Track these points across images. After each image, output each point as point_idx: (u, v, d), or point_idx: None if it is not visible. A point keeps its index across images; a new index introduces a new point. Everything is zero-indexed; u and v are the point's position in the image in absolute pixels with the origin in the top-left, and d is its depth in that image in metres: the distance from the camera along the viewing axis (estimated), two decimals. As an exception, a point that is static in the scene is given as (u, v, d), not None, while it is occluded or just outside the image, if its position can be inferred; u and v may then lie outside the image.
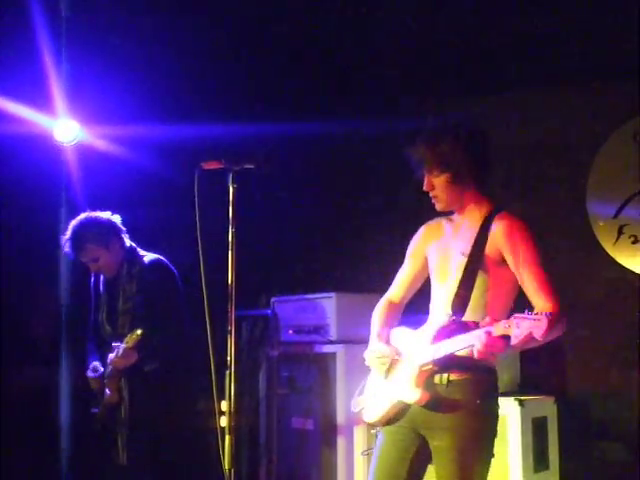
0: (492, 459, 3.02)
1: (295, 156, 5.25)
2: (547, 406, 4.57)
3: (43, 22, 4.26)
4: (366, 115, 5.44)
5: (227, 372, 2.91)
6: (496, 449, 4.15)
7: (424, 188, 3.11)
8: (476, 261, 2.99)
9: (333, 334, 5.01)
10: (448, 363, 2.92)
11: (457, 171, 3.02)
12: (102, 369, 4.21)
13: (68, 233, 4.20)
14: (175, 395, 4.13)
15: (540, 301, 2.90)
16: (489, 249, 3.00)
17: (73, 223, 4.20)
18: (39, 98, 4.67)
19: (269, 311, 5.42)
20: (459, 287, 2.99)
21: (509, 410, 4.26)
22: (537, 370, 4.97)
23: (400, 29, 4.75)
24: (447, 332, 2.91)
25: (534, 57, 4.94)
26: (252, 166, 3.01)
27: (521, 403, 4.27)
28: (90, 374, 4.24)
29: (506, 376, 4.60)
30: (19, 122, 4.64)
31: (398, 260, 3.36)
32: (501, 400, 4.28)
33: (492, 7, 4.40)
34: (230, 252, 2.95)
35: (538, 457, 4.35)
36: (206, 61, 4.86)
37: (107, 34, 4.46)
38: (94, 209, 4.27)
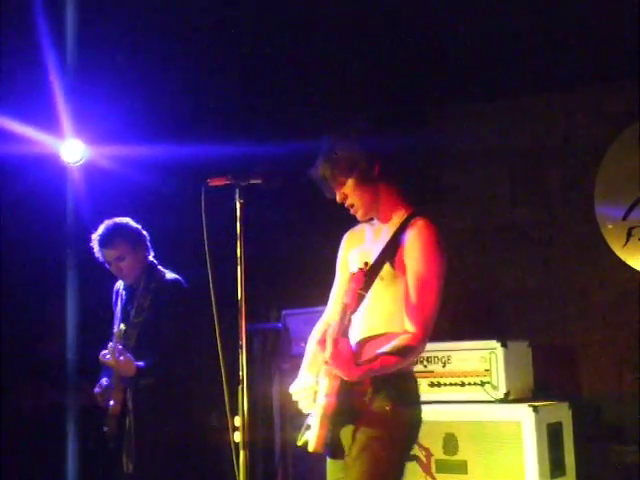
0: (403, 467, 2.96)
1: (303, 170, 5.25)
2: (562, 411, 4.55)
3: (50, 44, 4.30)
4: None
5: (239, 387, 2.91)
6: (512, 456, 4.22)
7: (338, 200, 3.08)
8: (380, 265, 2.94)
9: (344, 345, 5.00)
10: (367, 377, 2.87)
11: (360, 170, 2.98)
12: (105, 384, 4.26)
13: (100, 229, 4.27)
14: (181, 408, 4.15)
15: (408, 322, 2.88)
16: (400, 255, 2.95)
17: (106, 222, 4.29)
18: (46, 119, 4.71)
19: (280, 324, 5.43)
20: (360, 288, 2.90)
21: (523, 417, 4.26)
22: (550, 376, 4.97)
23: (403, 37, 4.76)
24: None
25: (538, 60, 4.94)
26: (258, 181, 3.02)
27: (535, 409, 4.26)
28: (96, 390, 4.28)
29: (519, 383, 4.59)
30: (27, 142, 4.68)
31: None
32: (515, 406, 4.35)
33: (494, 10, 4.40)
34: (239, 267, 2.95)
35: (554, 463, 4.34)
36: (210, 79, 4.88)
37: (113, 55, 4.49)
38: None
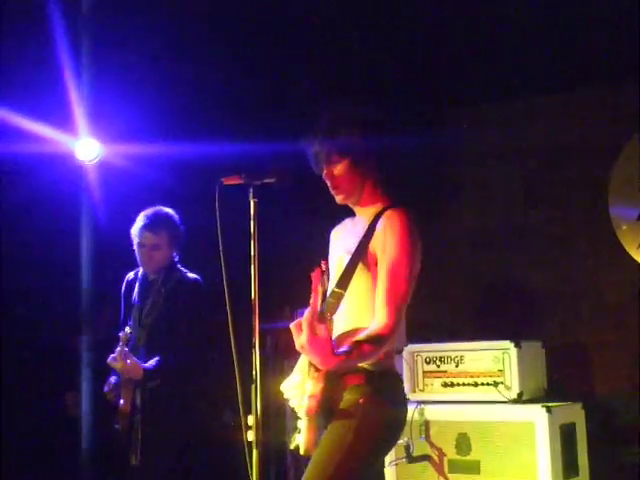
0: (369, 462, 2.93)
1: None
2: (575, 412, 4.53)
3: (65, 43, 4.32)
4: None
5: (253, 386, 2.91)
6: (525, 456, 4.21)
7: (324, 177, 3.07)
8: (356, 259, 2.92)
9: (357, 344, 4.99)
10: (344, 368, 2.84)
11: (357, 155, 2.98)
12: (114, 382, 4.28)
13: (150, 211, 4.31)
14: (190, 406, 4.16)
15: (378, 315, 2.82)
16: (372, 247, 2.93)
17: (158, 207, 4.34)
18: (61, 118, 4.72)
19: (293, 323, 5.41)
20: (335, 285, 2.92)
21: (537, 417, 4.24)
22: (563, 376, 4.95)
23: (419, 37, 4.75)
24: None
25: (553, 59, 4.92)
26: (272, 180, 3.02)
27: (548, 410, 4.24)
28: (105, 388, 4.31)
29: (532, 383, 4.58)
30: (42, 141, 4.70)
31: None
32: (528, 407, 4.33)
33: (506, 9, 4.38)
34: (253, 266, 2.96)
35: (567, 464, 4.32)
36: (225, 78, 4.89)
37: (127, 53, 4.50)
38: (115, 227, 4.33)
